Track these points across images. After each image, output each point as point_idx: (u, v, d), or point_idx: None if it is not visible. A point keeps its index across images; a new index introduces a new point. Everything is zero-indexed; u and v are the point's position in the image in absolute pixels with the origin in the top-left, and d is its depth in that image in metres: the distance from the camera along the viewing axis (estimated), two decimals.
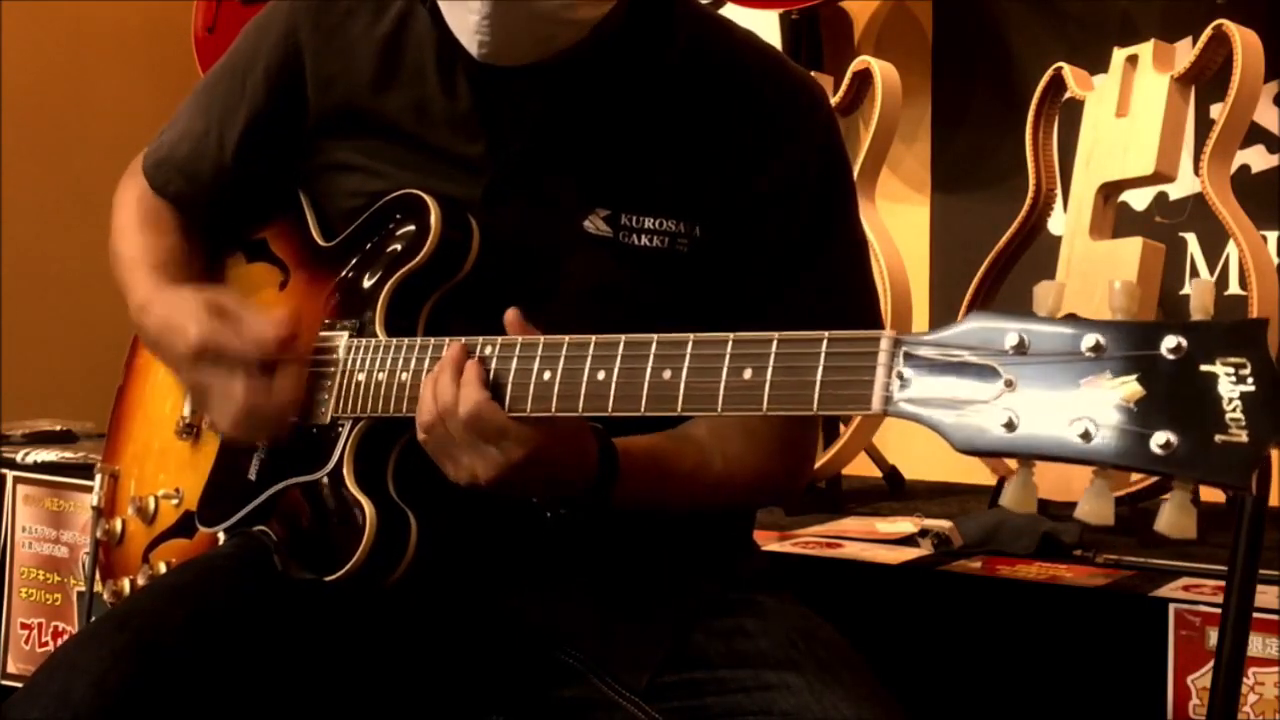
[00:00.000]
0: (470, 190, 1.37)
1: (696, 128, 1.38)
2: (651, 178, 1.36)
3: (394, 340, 1.31)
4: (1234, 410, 0.87)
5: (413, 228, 1.34)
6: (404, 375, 1.27)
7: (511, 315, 1.22)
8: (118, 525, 1.59)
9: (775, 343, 1.06)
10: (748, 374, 1.07)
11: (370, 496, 1.28)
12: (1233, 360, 0.87)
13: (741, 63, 1.42)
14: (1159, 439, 0.88)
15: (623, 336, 1.14)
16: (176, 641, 1.23)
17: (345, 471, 1.31)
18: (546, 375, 1.17)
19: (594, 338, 1.16)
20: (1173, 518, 0.91)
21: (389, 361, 1.29)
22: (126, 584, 1.56)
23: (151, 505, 1.54)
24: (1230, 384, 0.87)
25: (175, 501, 1.52)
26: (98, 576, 1.63)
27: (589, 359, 1.15)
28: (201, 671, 1.22)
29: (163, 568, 1.51)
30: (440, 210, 1.33)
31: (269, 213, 1.52)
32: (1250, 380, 0.87)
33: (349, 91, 1.42)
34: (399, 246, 1.35)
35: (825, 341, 1.03)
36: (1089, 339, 0.91)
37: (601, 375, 1.14)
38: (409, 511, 1.29)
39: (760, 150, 1.38)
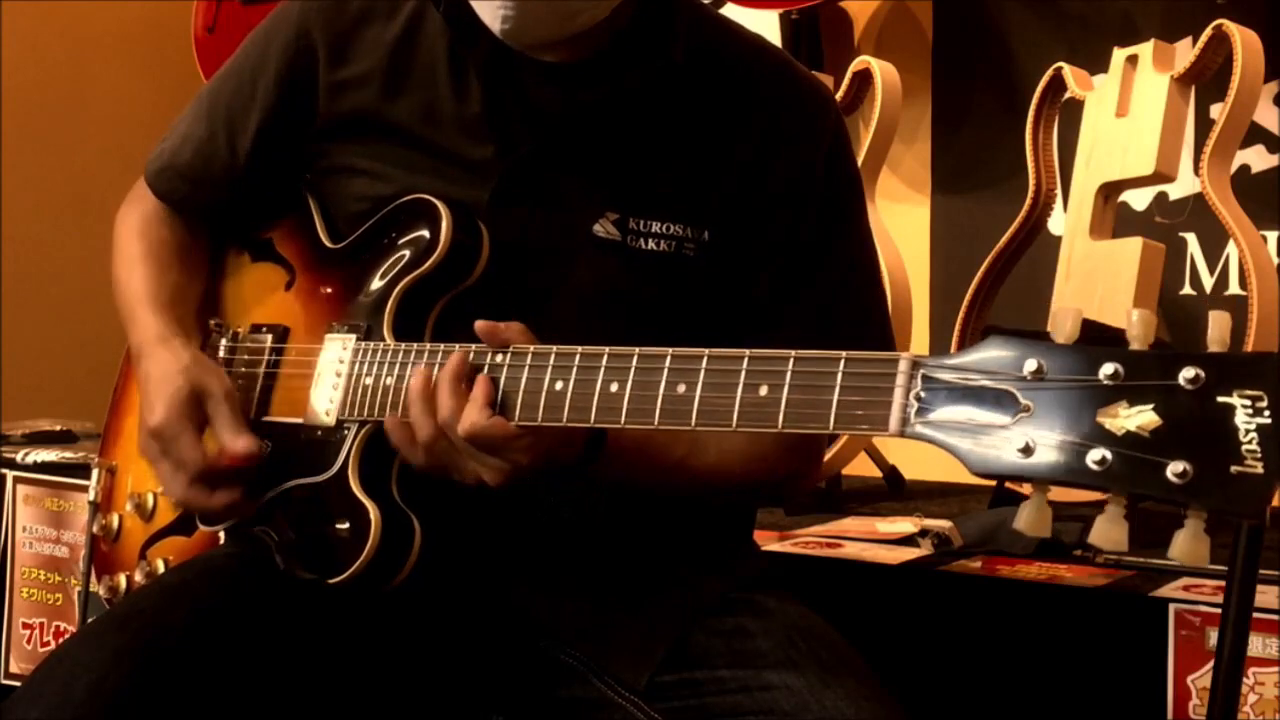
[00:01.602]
0: (479, 193, 1.36)
1: (703, 130, 1.38)
2: (659, 181, 1.37)
3: (402, 345, 1.31)
4: (1250, 442, 0.88)
5: (423, 233, 1.34)
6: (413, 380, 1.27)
7: (481, 326, 1.21)
8: (115, 521, 1.59)
9: (792, 360, 1.06)
10: (764, 391, 1.07)
11: (374, 500, 1.28)
12: (1250, 393, 0.88)
13: (747, 65, 1.43)
14: (1175, 468, 0.89)
15: (637, 349, 1.14)
16: (177, 641, 1.23)
17: (350, 475, 1.31)
18: (559, 386, 1.16)
19: (607, 349, 1.15)
20: (1188, 546, 0.91)
21: (397, 366, 1.29)
22: (123, 580, 1.55)
23: (150, 501, 1.54)
24: (1247, 416, 0.88)
25: None
26: (93, 572, 1.62)
27: (602, 370, 1.15)
28: (202, 672, 1.22)
29: (160, 564, 1.51)
30: (451, 215, 1.33)
31: (275, 214, 1.52)
32: (1267, 412, 0.88)
33: (360, 95, 1.42)
34: (408, 251, 1.35)
35: (843, 361, 1.03)
36: (1107, 367, 0.92)
37: (615, 387, 1.14)
38: (413, 516, 1.29)
39: (767, 152, 1.38)
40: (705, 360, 1.10)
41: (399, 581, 1.28)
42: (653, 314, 1.35)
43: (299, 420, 1.37)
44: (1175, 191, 2.61)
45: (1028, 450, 0.94)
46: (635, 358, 1.14)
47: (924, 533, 1.96)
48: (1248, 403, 0.88)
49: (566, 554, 1.36)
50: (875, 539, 2.07)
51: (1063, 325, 0.96)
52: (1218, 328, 0.91)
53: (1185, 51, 2.26)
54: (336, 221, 1.46)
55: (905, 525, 2.09)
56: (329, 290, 1.43)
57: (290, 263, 1.49)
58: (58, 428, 2.88)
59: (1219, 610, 1.42)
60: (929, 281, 2.95)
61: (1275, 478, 0.87)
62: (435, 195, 1.35)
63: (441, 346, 1.27)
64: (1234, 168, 2.27)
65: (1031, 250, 2.40)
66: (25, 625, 2.56)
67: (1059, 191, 2.40)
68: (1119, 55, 2.28)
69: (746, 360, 1.08)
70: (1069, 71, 2.35)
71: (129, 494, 1.57)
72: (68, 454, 2.63)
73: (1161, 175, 2.20)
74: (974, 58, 2.96)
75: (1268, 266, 2.08)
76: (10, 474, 2.58)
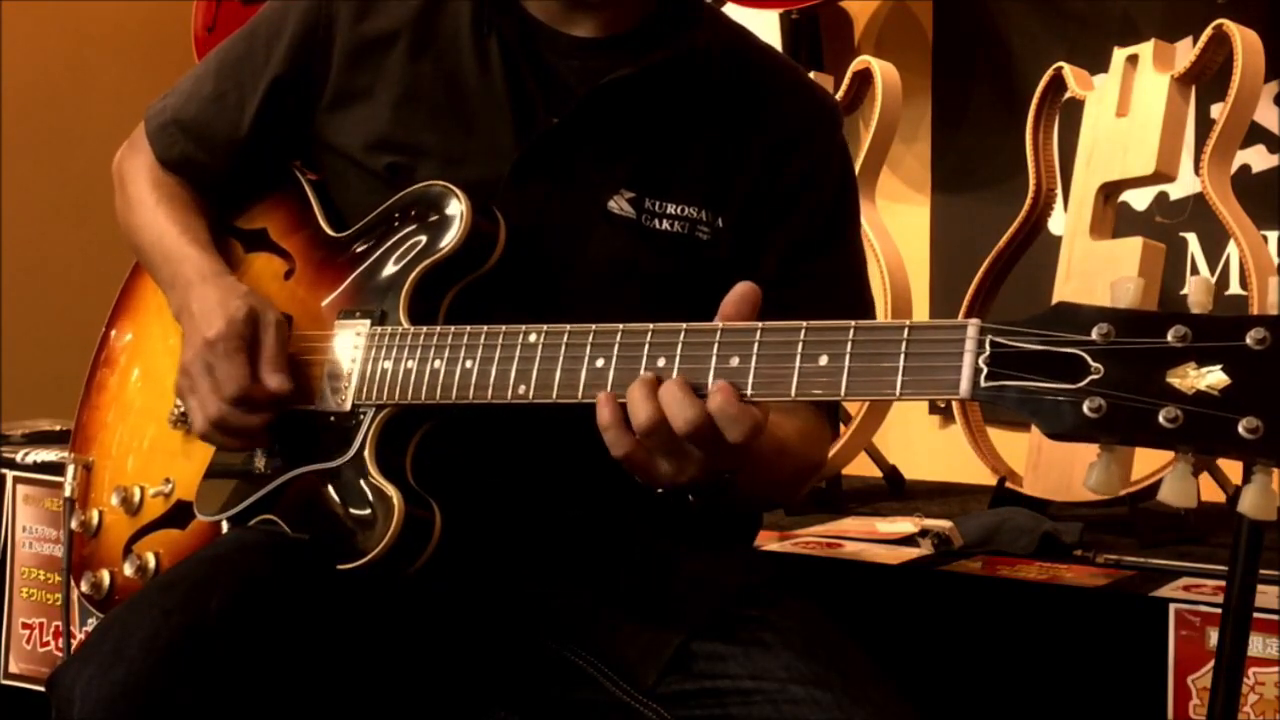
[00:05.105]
0: (498, 166, 1.38)
1: (722, 120, 1.41)
2: (677, 164, 1.39)
3: (423, 329, 1.31)
4: None
5: (440, 218, 1.34)
6: (437, 363, 1.27)
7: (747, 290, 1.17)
8: (94, 516, 1.57)
9: (852, 330, 1.07)
10: (824, 360, 1.08)
11: (394, 484, 1.27)
12: None
13: (762, 66, 1.48)
14: (1247, 424, 0.92)
15: (683, 325, 1.14)
16: (222, 602, 1.23)
17: (368, 459, 1.30)
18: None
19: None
20: (1257, 500, 0.95)
21: (419, 350, 1.29)
22: (106, 576, 1.54)
23: (137, 495, 1.52)
24: None
25: (166, 491, 1.50)
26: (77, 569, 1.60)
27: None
28: (247, 632, 1.22)
29: (151, 558, 1.49)
30: (470, 203, 1.33)
31: (258, 196, 1.52)
32: None
33: (383, 56, 1.43)
34: (425, 236, 1.35)
35: (907, 329, 1.05)
36: (1176, 329, 0.96)
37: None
38: (432, 501, 1.28)
39: (783, 150, 1.42)
40: (759, 333, 1.11)
41: (416, 568, 1.27)
42: (662, 290, 1.36)
43: (310, 407, 1.36)
44: (1175, 191, 2.61)
45: (1099, 411, 0.96)
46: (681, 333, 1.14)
47: (924, 533, 1.96)
48: None
49: (574, 552, 1.36)
50: (875, 539, 2.07)
51: (1125, 292, 0.99)
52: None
53: (1185, 51, 2.26)
54: (339, 205, 1.46)
55: (905, 525, 2.10)
56: (335, 277, 1.42)
57: (289, 252, 1.49)
58: (58, 428, 2.87)
59: (1219, 610, 1.43)
60: (929, 281, 2.95)
61: None
62: (453, 168, 1.36)
63: (468, 329, 1.27)
64: (1234, 168, 2.27)
65: (1031, 250, 2.40)
66: (25, 625, 2.56)
67: (1059, 191, 2.40)
68: (1119, 55, 2.28)
69: (804, 332, 1.09)
70: (1069, 71, 2.35)
71: (116, 488, 1.55)
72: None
73: (1162, 175, 2.20)
74: (974, 58, 2.96)
75: (1268, 266, 2.08)
76: (10, 474, 2.58)
